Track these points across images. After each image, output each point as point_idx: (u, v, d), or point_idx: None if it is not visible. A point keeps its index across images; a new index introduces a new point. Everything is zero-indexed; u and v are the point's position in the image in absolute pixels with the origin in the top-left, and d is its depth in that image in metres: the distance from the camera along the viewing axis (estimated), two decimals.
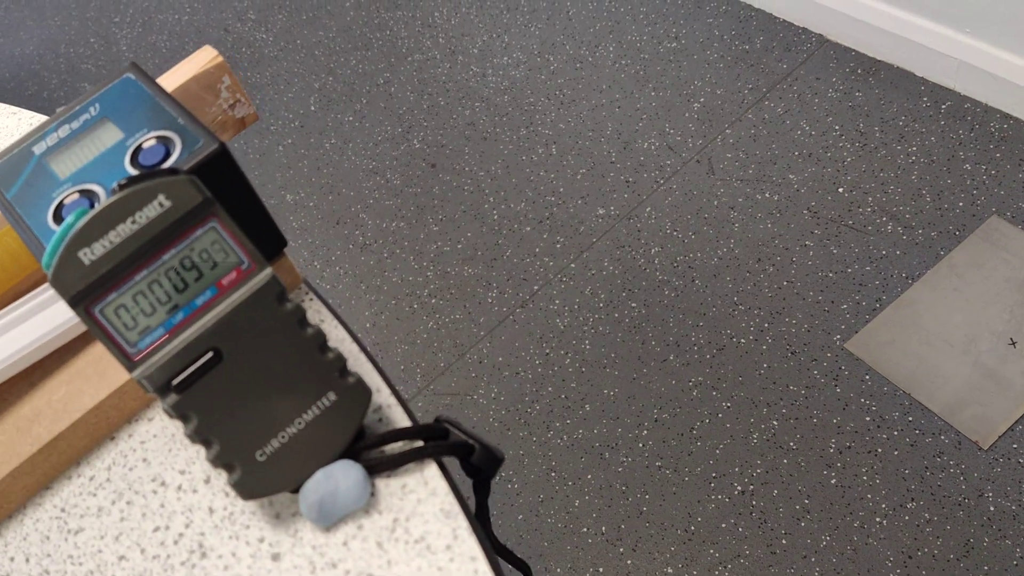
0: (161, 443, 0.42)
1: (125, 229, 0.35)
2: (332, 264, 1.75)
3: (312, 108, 2.00)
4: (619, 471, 1.41)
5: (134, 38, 2.25)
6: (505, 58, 1.98)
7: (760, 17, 1.89)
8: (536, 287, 1.63)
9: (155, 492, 0.41)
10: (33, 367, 0.43)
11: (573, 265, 1.64)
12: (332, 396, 0.39)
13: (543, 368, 1.53)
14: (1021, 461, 1.30)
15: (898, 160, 1.62)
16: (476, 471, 0.44)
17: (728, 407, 1.43)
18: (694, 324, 1.52)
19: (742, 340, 1.49)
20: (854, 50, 1.78)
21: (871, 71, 1.74)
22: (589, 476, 1.41)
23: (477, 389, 1.54)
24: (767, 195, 1.63)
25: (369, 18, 2.15)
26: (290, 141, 1.95)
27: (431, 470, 0.40)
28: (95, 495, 0.41)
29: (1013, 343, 1.39)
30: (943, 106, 1.66)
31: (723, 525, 1.33)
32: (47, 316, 0.41)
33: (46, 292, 0.42)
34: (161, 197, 0.36)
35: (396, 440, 0.40)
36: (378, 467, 0.40)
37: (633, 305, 1.57)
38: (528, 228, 1.71)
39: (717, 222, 1.63)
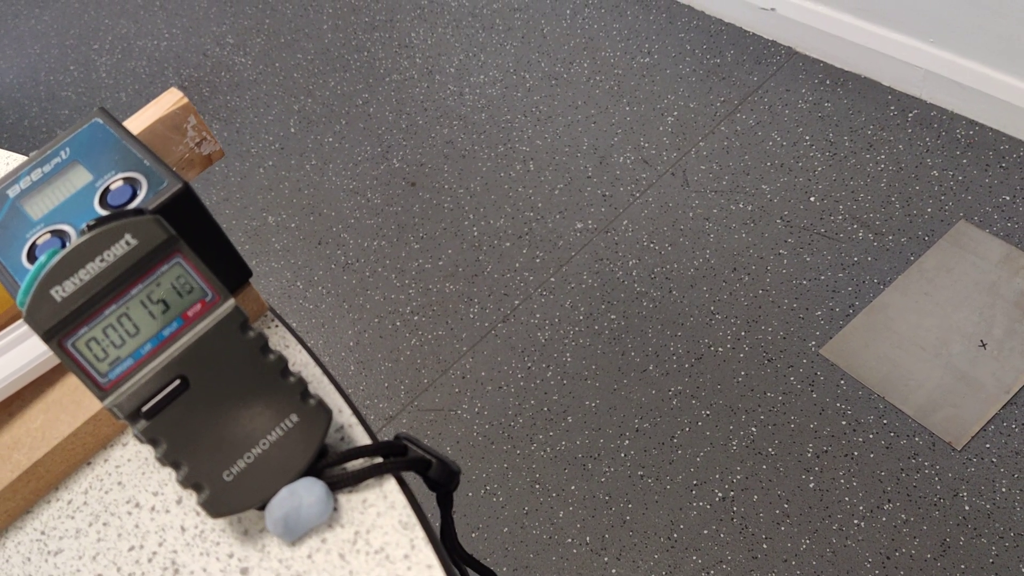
0: (135, 467, 0.45)
1: (94, 267, 0.38)
2: (315, 284, 1.77)
3: (292, 130, 2.02)
4: (602, 481, 1.43)
5: (113, 64, 2.27)
6: (481, 76, 2.00)
7: (730, 31, 1.92)
8: (517, 302, 1.65)
9: (130, 513, 0.43)
10: (11, 397, 0.45)
11: (553, 279, 1.66)
12: (294, 418, 0.41)
13: (525, 382, 1.56)
14: (994, 460, 1.32)
15: (867, 168, 1.65)
16: (436, 485, 0.46)
17: (707, 415, 1.46)
18: (672, 334, 1.55)
19: (720, 349, 1.52)
20: (822, 61, 1.82)
21: (839, 81, 1.78)
22: (573, 487, 1.43)
23: (461, 404, 1.56)
24: (741, 205, 1.66)
25: (346, 40, 2.18)
26: (271, 163, 1.98)
27: (390, 485, 0.43)
28: (73, 518, 0.44)
29: (983, 345, 1.42)
30: (910, 114, 1.69)
31: (705, 532, 1.35)
32: (24, 349, 0.43)
33: (22, 327, 0.44)
34: (128, 236, 0.38)
35: (357, 457, 0.43)
36: (340, 483, 0.42)
37: (612, 317, 1.59)
38: (508, 244, 1.73)
39: (693, 233, 1.65)
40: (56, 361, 0.45)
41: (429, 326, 1.66)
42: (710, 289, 1.58)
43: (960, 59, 1.61)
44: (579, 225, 1.72)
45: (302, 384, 0.42)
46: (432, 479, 0.44)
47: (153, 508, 0.43)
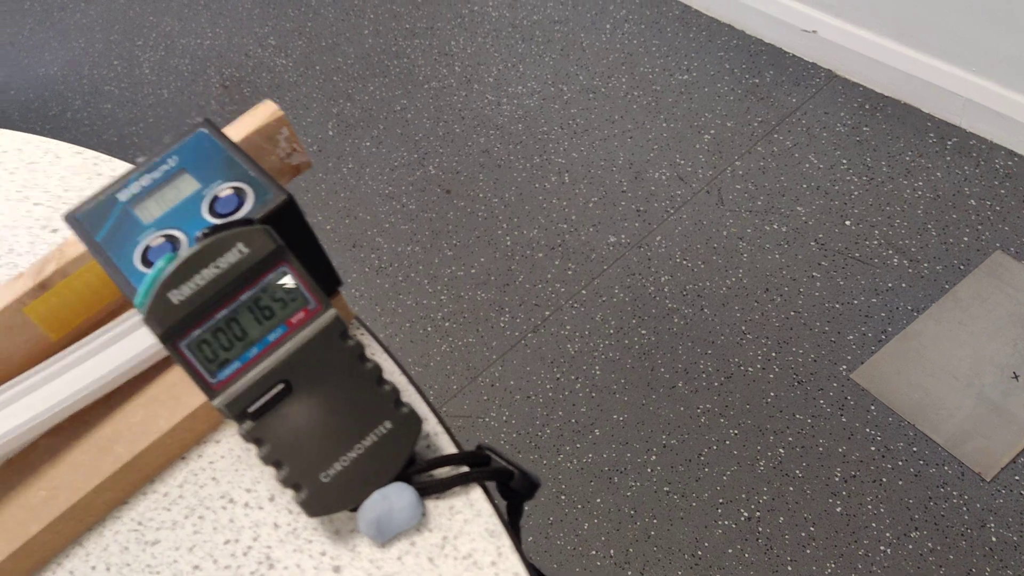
0: (228, 463, 0.46)
1: (209, 273, 0.40)
2: (348, 287, 1.78)
3: (330, 133, 2.04)
4: (628, 495, 1.44)
5: (156, 61, 2.30)
6: (520, 87, 2.02)
7: (770, 52, 1.93)
8: (548, 312, 1.66)
9: (224, 508, 0.45)
10: (111, 392, 0.47)
11: (584, 291, 1.67)
12: (388, 424, 0.43)
13: (554, 392, 1.57)
14: (1023, 493, 1.32)
15: (904, 194, 1.65)
16: (513, 494, 0.47)
17: (735, 434, 1.46)
18: (703, 352, 1.56)
19: (749, 368, 1.52)
20: (862, 85, 1.82)
21: (878, 106, 1.78)
22: (598, 500, 1.44)
23: (489, 412, 1.57)
24: (775, 226, 1.67)
25: (387, 45, 2.20)
26: None
27: (476, 493, 0.44)
28: (169, 510, 0.45)
29: (1016, 377, 1.42)
30: (949, 142, 1.70)
31: (730, 551, 1.36)
32: (127, 345, 0.45)
33: (123, 324, 0.46)
34: (240, 245, 0.40)
35: (444, 465, 0.44)
36: (428, 489, 0.44)
37: (643, 332, 1.60)
38: (540, 254, 1.74)
39: (726, 252, 1.66)
40: (156, 359, 0.46)
41: (460, 333, 1.67)
42: (742, 309, 1.59)
43: (1001, 89, 1.61)
44: (612, 239, 1.73)
45: (396, 392, 0.43)
46: (513, 489, 0.46)
47: (247, 504, 0.45)
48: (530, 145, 1.91)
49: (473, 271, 1.75)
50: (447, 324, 1.69)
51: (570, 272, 1.70)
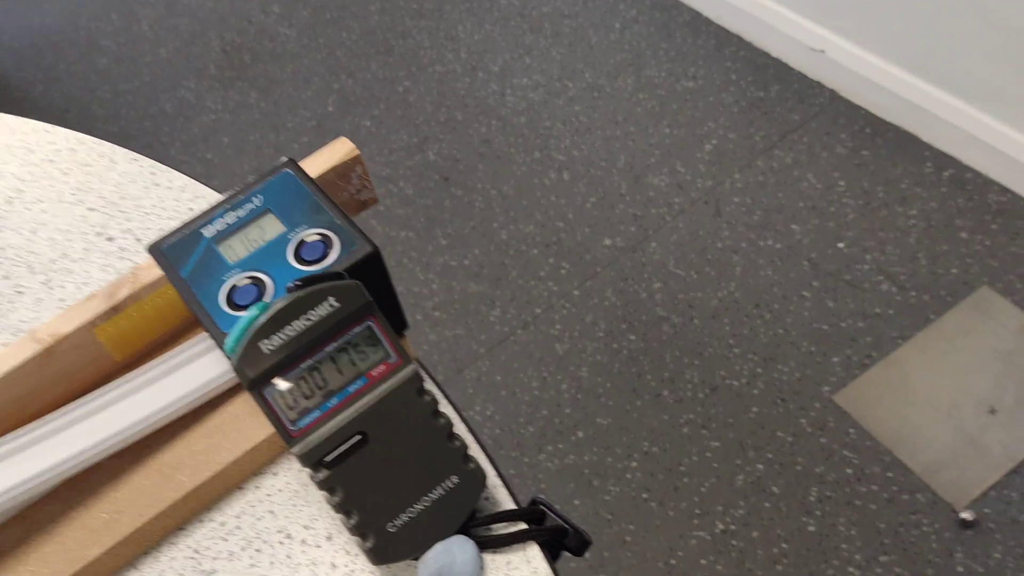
0: (286, 497, 0.46)
1: (299, 324, 0.40)
2: None
3: (330, 109, 2.02)
4: (606, 499, 1.45)
5: (156, 19, 2.26)
6: (524, 79, 2.01)
7: (777, 67, 1.94)
8: (538, 310, 1.67)
9: (281, 543, 0.45)
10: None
11: (576, 292, 1.68)
12: (455, 479, 0.44)
13: (540, 391, 1.58)
14: (991, 526, 1.36)
15: (898, 221, 1.68)
16: (563, 549, 0.48)
17: (716, 447, 1.48)
18: (690, 362, 1.57)
19: (735, 383, 1.54)
20: (864, 109, 1.84)
21: (879, 131, 1.80)
22: (576, 502, 1.46)
23: (473, 406, 1.58)
24: (770, 243, 1.69)
25: (393, 24, 2.18)
26: (306, 140, 1.98)
27: (533, 550, 0.45)
28: (226, 540, 0.45)
29: (993, 412, 1.45)
30: (945, 173, 1.72)
31: (703, 562, 1.38)
32: (193, 373, 0.45)
33: (188, 351, 0.45)
34: (331, 299, 0.41)
35: (502, 521, 0.45)
36: (487, 544, 0.44)
37: (632, 338, 1.61)
38: (535, 251, 1.75)
39: (719, 264, 1.68)
40: (221, 389, 0.46)
41: (449, 324, 1.68)
42: (731, 322, 1.61)
43: (1001, 126, 1.64)
44: (607, 241, 1.74)
45: (464, 448, 0.44)
46: (565, 546, 0.47)
47: (304, 541, 0.45)
48: (531, 139, 1.91)
49: (466, 262, 1.75)
50: (436, 314, 1.69)
51: (563, 271, 1.71)
